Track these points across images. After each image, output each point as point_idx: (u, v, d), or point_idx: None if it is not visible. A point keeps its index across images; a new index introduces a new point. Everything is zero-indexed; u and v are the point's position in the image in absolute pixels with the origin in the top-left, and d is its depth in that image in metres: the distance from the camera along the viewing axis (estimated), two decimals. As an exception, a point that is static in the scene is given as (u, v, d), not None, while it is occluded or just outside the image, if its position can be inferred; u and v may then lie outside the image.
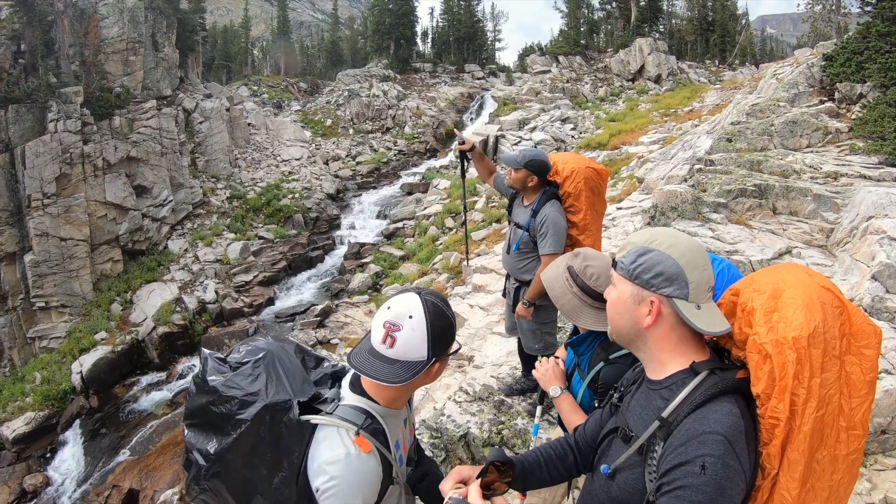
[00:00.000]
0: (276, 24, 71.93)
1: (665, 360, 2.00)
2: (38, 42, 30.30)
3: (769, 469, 1.79)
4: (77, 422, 22.31)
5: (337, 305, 24.96)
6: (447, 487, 2.07)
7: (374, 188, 41.19)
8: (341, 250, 32.74)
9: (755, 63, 57.18)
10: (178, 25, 39.51)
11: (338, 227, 36.45)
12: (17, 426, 21.93)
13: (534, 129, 37.85)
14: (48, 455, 21.42)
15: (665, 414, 1.88)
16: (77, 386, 23.37)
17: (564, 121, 39.34)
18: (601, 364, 3.00)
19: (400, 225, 31.83)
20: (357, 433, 2.05)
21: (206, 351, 2.32)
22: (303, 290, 29.36)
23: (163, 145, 32.97)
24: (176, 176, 33.33)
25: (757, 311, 1.87)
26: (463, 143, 5.98)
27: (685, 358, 1.97)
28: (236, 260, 30.22)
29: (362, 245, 31.63)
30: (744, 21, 66.89)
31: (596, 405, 2.91)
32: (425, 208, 31.35)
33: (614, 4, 59.13)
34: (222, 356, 2.27)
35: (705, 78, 50.57)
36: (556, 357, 3.34)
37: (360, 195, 40.02)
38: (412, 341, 2.05)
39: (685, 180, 11.99)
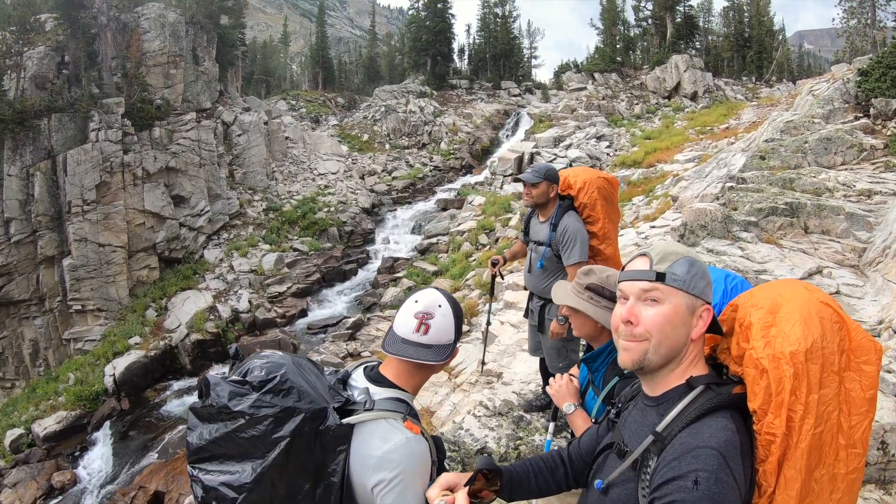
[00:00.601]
0: (315, 40, 72.43)
1: (672, 375, 1.95)
2: (81, 54, 30.92)
3: (765, 487, 1.75)
4: (107, 423, 22.59)
5: (369, 319, 24.95)
6: (434, 494, 2.04)
7: (410, 203, 41.28)
8: (375, 264, 32.82)
9: (792, 79, 56.45)
10: (218, 40, 40.09)
11: (372, 241, 36.51)
12: (49, 424, 22.25)
13: (569, 146, 37.76)
14: (77, 454, 21.64)
15: (659, 428, 1.84)
16: (109, 388, 23.68)
17: (600, 138, 39.22)
18: (616, 379, 2.95)
19: (434, 240, 31.79)
20: (405, 418, 2.13)
21: (213, 376, 2.15)
22: (335, 303, 29.43)
23: (201, 157, 33.37)
24: (213, 187, 33.67)
25: (754, 326, 1.85)
26: (496, 263, 6.27)
27: (686, 373, 1.94)
28: (271, 271, 30.37)
29: (396, 259, 31.68)
30: (780, 37, 66.11)
31: None
32: (459, 224, 31.27)
33: (650, 21, 58.86)
34: (239, 378, 2.10)
35: (742, 95, 50.10)
36: (571, 374, 3.31)
37: (395, 210, 40.14)
38: (443, 327, 2.25)
39: (717, 198, 11.82)
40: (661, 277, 1.91)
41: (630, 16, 60.93)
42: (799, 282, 2.00)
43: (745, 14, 61.82)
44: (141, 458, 20.11)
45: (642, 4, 59.63)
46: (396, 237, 36.13)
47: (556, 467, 2.43)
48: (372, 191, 42.17)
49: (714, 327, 1.99)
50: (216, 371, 24.24)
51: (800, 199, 10.10)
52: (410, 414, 2.19)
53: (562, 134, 40.35)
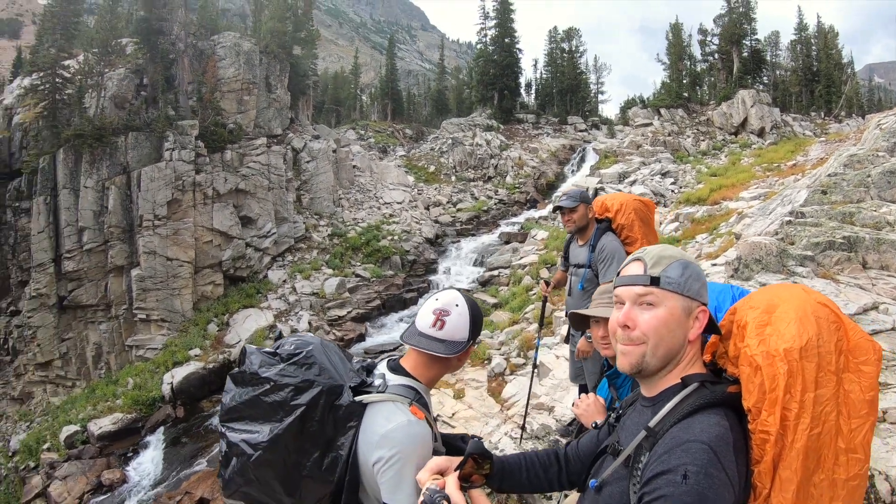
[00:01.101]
0: (385, 72, 73.55)
1: (669, 376, 1.96)
2: (159, 77, 31.95)
3: (760, 488, 1.73)
4: (161, 428, 23.00)
5: (425, 347, 24.81)
6: (424, 478, 2.08)
7: (473, 235, 41.14)
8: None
9: (862, 114, 54.73)
10: (290, 69, 40.93)
11: (434, 271, 36.42)
12: (105, 424, 22.80)
13: (633, 182, 37.52)
14: (129, 455, 22.10)
15: (651, 424, 1.85)
16: (166, 395, 24.16)
17: (665, 175, 38.83)
18: None
19: (495, 273, 31.64)
20: (410, 403, 2.31)
21: (250, 346, 2.47)
22: (394, 330, 29.35)
23: (270, 180, 33.98)
24: (281, 210, 34.20)
25: (749, 325, 1.86)
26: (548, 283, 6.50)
27: (682, 374, 1.95)
28: (332, 295, 30.55)
29: (456, 291, 31.54)
30: (850, 70, 64.25)
31: None
32: (521, 258, 31.06)
33: (716, 55, 58.19)
34: (271, 350, 2.42)
35: (810, 131, 48.93)
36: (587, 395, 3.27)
37: (459, 241, 40.04)
38: (458, 324, 2.41)
39: (776, 234, 11.51)
40: (655, 281, 1.94)
41: (696, 50, 60.63)
42: (797, 285, 2.01)
43: (813, 47, 60.74)
44: (190, 465, 20.38)
45: (708, 39, 59.22)
46: (458, 268, 36.00)
47: (550, 465, 2.45)
48: (436, 221, 42.27)
49: (711, 328, 1.99)
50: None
51: (858, 233, 9.77)
52: (418, 401, 2.35)
53: (627, 170, 40.14)
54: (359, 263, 34.70)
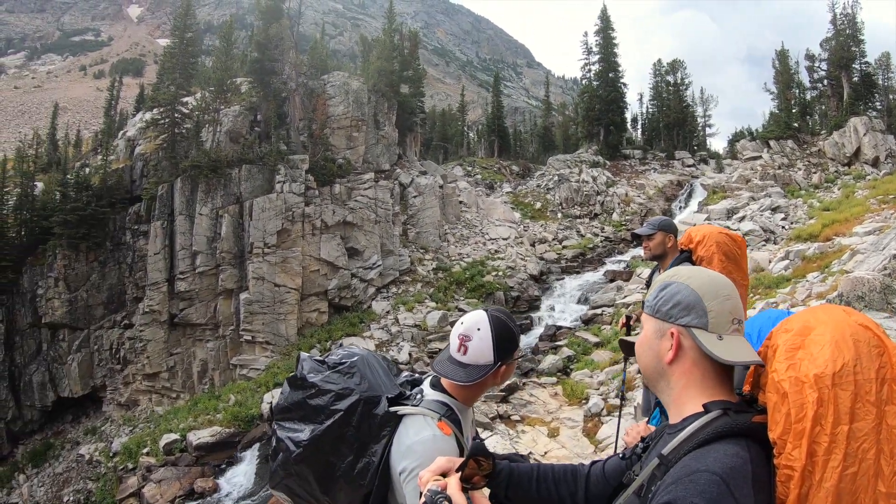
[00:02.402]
0: (491, 110, 74.19)
1: (685, 401, 1.83)
2: (271, 114, 33.48)
3: None
4: (257, 445, 23.57)
5: (524, 384, 24.54)
6: (426, 478, 2.06)
7: (578, 272, 40.57)
8: (537, 331, 32.39)
9: None
10: (398, 107, 42.08)
11: (537, 308, 36.04)
12: (203, 435, 23.74)
13: (742, 218, 36.48)
14: (223, 467, 22.92)
15: (665, 451, 1.73)
16: (265, 414, 24.67)
17: (775, 210, 37.54)
18: None
19: (599, 311, 31.17)
20: (439, 419, 2.37)
21: (304, 354, 2.72)
22: (494, 365, 29.16)
23: (377, 214, 34.72)
24: (387, 243, 34.81)
25: (780, 348, 1.69)
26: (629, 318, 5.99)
27: (695, 399, 1.80)
28: (434, 327, 30.68)
29: (559, 328, 31.16)
30: (971, 91, 60.51)
31: None
32: (626, 296, 30.51)
33: (825, 82, 55.89)
34: (320, 358, 2.64)
35: (928, 158, 46.20)
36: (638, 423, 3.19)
37: (563, 279, 39.58)
38: (480, 349, 2.41)
39: (884, 269, 10.83)
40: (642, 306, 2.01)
41: (805, 77, 58.36)
42: (839, 306, 1.84)
43: (930, 67, 57.29)
44: (280, 483, 20.84)
45: (816, 65, 56.91)
46: (562, 306, 35.59)
47: (566, 480, 2.29)
48: (541, 258, 41.96)
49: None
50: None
51: None
52: (448, 416, 2.40)
53: (735, 205, 39.12)
54: (462, 298, 34.75)
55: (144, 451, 24.05)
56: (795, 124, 54.07)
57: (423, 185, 40.17)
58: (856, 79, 52.98)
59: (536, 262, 40.65)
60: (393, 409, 2.40)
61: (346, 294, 32.11)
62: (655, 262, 5.76)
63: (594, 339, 26.84)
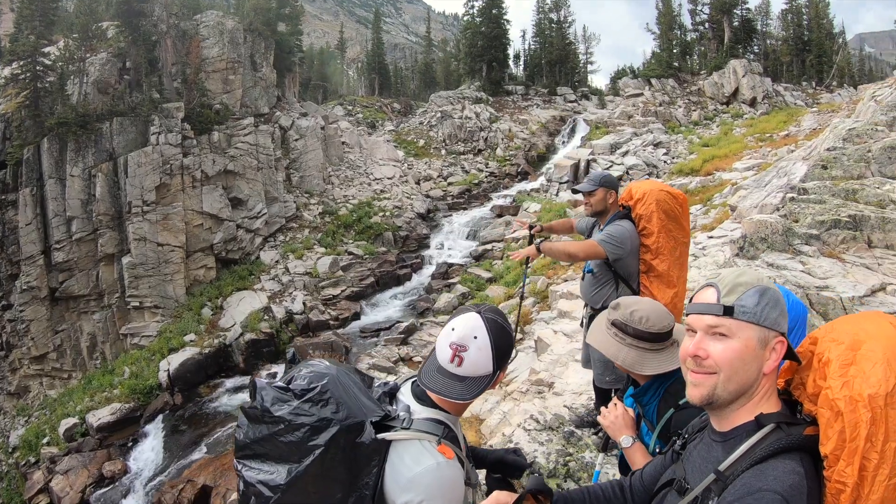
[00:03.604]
0: (371, 47, 73.10)
1: (741, 411, 1.85)
2: (142, 60, 31.57)
3: None
4: (160, 416, 23.08)
5: (422, 324, 24.96)
6: None
7: (465, 209, 41.11)
8: (429, 269, 32.76)
9: (853, 84, 54.70)
10: (275, 47, 40.71)
11: (427, 246, 36.48)
12: (103, 415, 22.88)
13: (625, 153, 37.45)
14: (129, 445, 22.17)
15: (722, 467, 1.76)
16: (163, 383, 24.22)
17: (657, 145, 38.80)
18: (671, 411, 2.87)
19: (489, 247, 31.71)
20: (439, 442, 2.13)
21: (261, 381, 2.26)
22: (389, 307, 29.43)
23: (259, 160, 33.78)
24: (271, 190, 34.06)
25: (832, 363, 1.72)
26: (532, 226, 6.05)
27: (756, 409, 1.83)
28: (325, 274, 30.51)
29: (450, 265, 31.55)
30: (841, 40, 64.60)
31: None
32: (514, 231, 31.14)
33: (707, 25, 58.11)
34: (283, 385, 2.20)
35: (802, 101, 48.98)
36: (615, 403, 3.14)
37: (451, 216, 40.01)
38: (479, 360, 2.18)
39: (777, 209, 11.42)
40: (728, 311, 1.81)
41: (687, 20, 60.40)
42: (884, 316, 1.83)
43: (804, 17, 60.83)
44: (191, 453, 20.51)
45: (699, 8, 58.89)
46: (451, 243, 36.04)
47: (615, 498, 2.35)
48: (427, 196, 42.16)
49: (789, 354, 1.86)
50: (269, 371, 24.78)
51: (863, 211, 9.68)
52: (447, 437, 2.18)
53: (618, 141, 40.09)
54: (351, 241, 34.67)
55: (45, 441, 22.91)
56: (676, 64, 56.10)
57: (304, 127, 39.38)
58: (736, 23, 55.27)
59: (423, 201, 40.92)
60: (382, 435, 2.12)
61: (232, 247, 31.38)
62: (594, 218, 5.70)
63: (487, 275, 27.40)
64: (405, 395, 2.35)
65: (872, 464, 1.54)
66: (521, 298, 7.12)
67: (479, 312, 2.25)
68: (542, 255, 5.27)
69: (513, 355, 2.35)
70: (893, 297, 7.69)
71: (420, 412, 2.24)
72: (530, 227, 5.95)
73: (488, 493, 2.27)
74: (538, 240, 5.33)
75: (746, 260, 9.39)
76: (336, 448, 2.07)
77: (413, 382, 2.38)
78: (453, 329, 2.22)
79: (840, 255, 9.03)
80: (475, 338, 2.18)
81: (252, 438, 2.18)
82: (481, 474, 2.64)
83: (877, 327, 1.74)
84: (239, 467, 2.22)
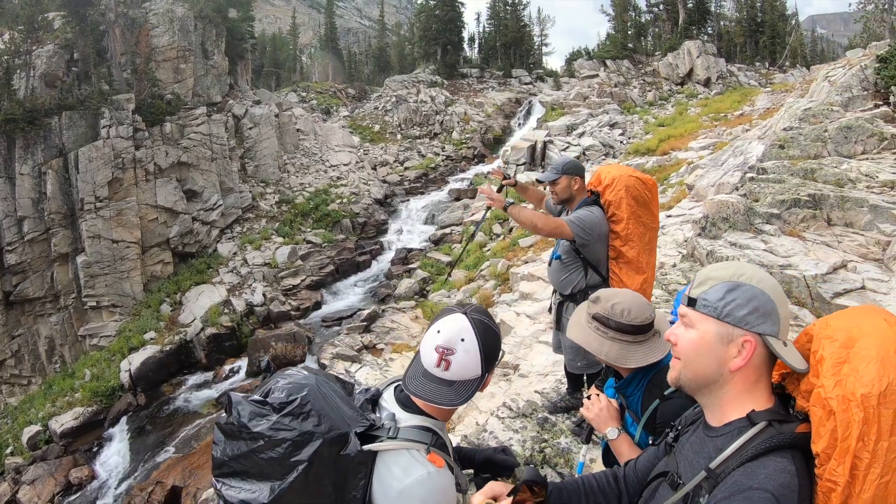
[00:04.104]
0: (324, 32, 72.50)
1: (733, 406, 1.84)
2: (90, 51, 30.89)
3: None
4: (124, 418, 22.74)
5: (383, 310, 24.89)
6: (478, 501, 2.07)
7: (422, 193, 41.16)
8: (388, 255, 32.79)
9: (806, 65, 55.73)
10: (227, 34, 40.09)
11: (385, 232, 36.47)
12: (66, 420, 22.44)
13: (582, 134, 37.63)
14: (95, 449, 21.83)
15: (713, 465, 1.76)
16: (125, 383, 23.85)
17: (613, 126, 39.05)
18: (656, 402, 2.85)
19: (448, 231, 31.79)
20: (429, 451, 2.03)
21: (236, 395, 2.10)
22: (350, 295, 29.41)
23: (213, 151, 33.40)
24: (226, 181, 33.72)
25: (826, 361, 1.70)
26: (507, 178, 5.89)
27: (748, 404, 1.82)
28: (284, 264, 30.38)
29: (409, 250, 31.62)
30: (794, 21, 65.42)
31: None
32: (473, 214, 31.28)
33: (661, 6, 58.50)
34: (260, 398, 2.04)
35: (755, 81, 49.70)
36: (597, 394, 3.10)
37: (408, 200, 40.04)
38: (467, 363, 2.08)
39: (736, 189, 11.68)
40: (692, 303, 1.86)
41: (641, 1, 60.64)
42: (880, 311, 1.83)
43: (758, -1, 61.12)
44: (158, 453, 20.23)
45: (653, -11, 59.07)
46: (410, 228, 36.13)
47: (610, 488, 2.34)
48: (384, 181, 42.13)
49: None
50: (232, 366, 24.54)
51: (822, 190, 9.94)
52: (436, 444, 2.08)
53: (574, 122, 40.23)
54: (309, 229, 34.53)
55: (8, 451, 22.29)
56: (631, 45, 56.30)
57: (257, 115, 38.94)
58: (690, 5, 55.62)
59: (380, 186, 40.86)
60: (368, 447, 2.01)
61: (189, 240, 30.98)
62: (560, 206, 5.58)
63: (446, 259, 27.42)
64: (388, 401, 2.25)
65: (864, 463, 1.55)
66: (472, 236, 7.00)
67: (465, 313, 2.16)
68: (506, 212, 5.14)
69: (500, 356, 2.24)
70: (855, 275, 7.94)
71: (406, 420, 2.15)
72: (505, 177, 5.92)
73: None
74: (508, 199, 5.16)
75: (709, 239, 9.57)
76: (320, 462, 1.95)
77: (396, 388, 2.29)
78: (439, 331, 2.12)
79: (801, 233, 9.29)
80: (462, 340, 2.09)
81: (230, 455, 2.02)
82: (474, 473, 2.62)
83: (871, 324, 1.74)
84: (218, 486, 2.06)
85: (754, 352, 1.78)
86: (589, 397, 3.10)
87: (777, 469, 1.62)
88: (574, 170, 5.26)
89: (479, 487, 2.32)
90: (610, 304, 2.92)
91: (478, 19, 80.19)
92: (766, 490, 1.56)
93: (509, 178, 5.84)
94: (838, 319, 1.82)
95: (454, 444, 2.54)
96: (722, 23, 61.98)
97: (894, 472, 1.55)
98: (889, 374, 1.57)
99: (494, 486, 2.11)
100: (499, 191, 5.66)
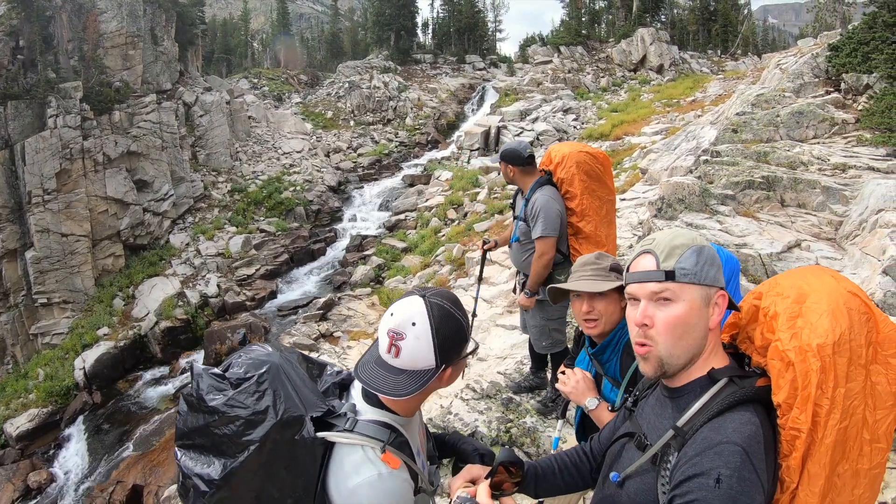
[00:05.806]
0: (276, 17, 71.73)
1: (698, 365, 1.89)
2: (36, 37, 30.20)
3: (788, 482, 1.70)
4: (80, 418, 22.42)
5: (339, 298, 24.82)
6: (456, 486, 2.05)
7: (376, 180, 40.94)
8: (343, 243, 32.73)
9: (757, 53, 57.10)
10: (177, 19, 39.46)
11: (339, 219, 36.38)
12: (21, 423, 22.03)
13: (535, 119, 37.88)
14: (52, 451, 21.50)
15: (680, 423, 1.79)
16: (80, 382, 23.49)
17: (566, 111, 39.36)
18: (634, 364, 2.83)
19: (402, 217, 31.78)
20: (383, 450, 1.91)
21: (198, 367, 2.05)
22: (305, 283, 29.36)
23: (163, 139, 32.94)
24: (177, 170, 33.31)
25: (780, 317, 1.79)
26: (486, 242, 6.10)
27: (706, 364, 1.88)
28: (238, 253, 30.17)
29: (364, 237, 31.55)
30: (746, 10, 66.25)
31: None
32: (427, 200, 31.34)
33: (616, -6, 58.55)
34: (220, 371, 1.98)
35: (707, 68, 50.58)
36: (570, 369, 3.14)
37: (362, 187, 39.87)
38: (417, 350, 1.92)
39: (691, 171, 11.91)
40: (671, 276, 1.85)
41: (596, -12, 60.54)
42: (826, 269, 1.94)
43: (711, -13, 61.83)
44: (117, 452, 20.04)
45: (608, -24, 59.29)
46: (364, 214, 36.06)
47: (582, 462, 2.39)
48: (338, 168, 41.82)
49: (730, 305, 1.94)
50: (188, 359, 24.40)
51: (775, 172, 10.23)
52: (393, 443, 1.96)
53: (528, 107, 40.52)
54: (262, 218, 34.29)
55: None
56: (585, 32, 56.84)
57: (208, 102, 38.43)
58: None
59: (333, 173, 40.58)
60: (322, 434, 1.91)
61: (140, 232, 30.56)
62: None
63: (401, 245, 27.43)
64: (356, 389, 2.14)
65: (824, 410, 1.64)
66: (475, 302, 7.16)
67: (422, 296, 1.99)
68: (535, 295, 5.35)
69: (470, 347, 2.11)
70: (809, 253, 8.20)
71: (365, 412, 2.03)
72: (484, 243, 6.06)
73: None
74: (537, 296, 5.39)
75: (665, 220, 9.77)
76: (272, 444, 1.87)
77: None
78: (392, 314, 1.98)
79: (755, 213, 9.53)
80: (413, 324, 1.93)
81: (190, 427, 1.97)
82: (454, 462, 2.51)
83: (819, 281, 1.84)
84: (179, 455, 2.00)
85: (727, 305, 1.89)
86: (564, 373, 3.12)
87: (742, 422, 1.69)
88: (508, 157, 5.38)
89: (455, 473, 2.32)
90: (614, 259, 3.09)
91: (431, 4, 79.71)
92: (735, 443, 1.63)
93: (489, 243, 6.04)
94: (787, 279, 1.93)
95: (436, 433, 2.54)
96: (675, 11, 62.57)
97: (852, 417, 1.67)
98: (841, 325, 1.68)
99: (472, 469, 2.12)
100: (483, 256, 6.37)
